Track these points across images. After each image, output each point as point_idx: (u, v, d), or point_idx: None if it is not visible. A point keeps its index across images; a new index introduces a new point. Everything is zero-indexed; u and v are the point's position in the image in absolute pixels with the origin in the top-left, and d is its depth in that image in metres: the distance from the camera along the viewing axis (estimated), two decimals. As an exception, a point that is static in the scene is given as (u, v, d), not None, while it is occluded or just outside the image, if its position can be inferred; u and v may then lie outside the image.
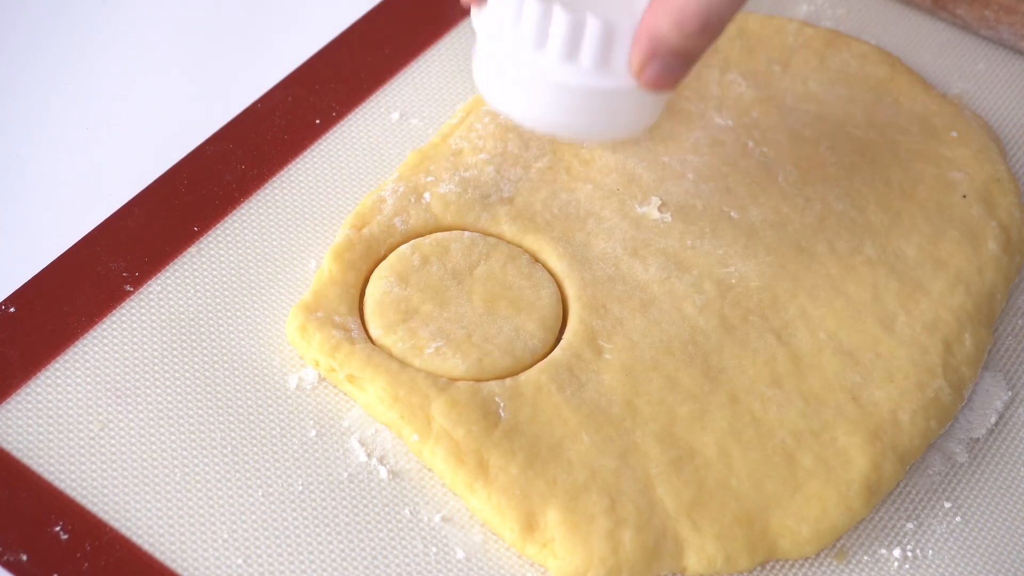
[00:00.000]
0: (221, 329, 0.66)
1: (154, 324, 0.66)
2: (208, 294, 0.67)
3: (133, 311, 0.66)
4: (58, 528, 0.60)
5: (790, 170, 0.71)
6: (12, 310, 0.65)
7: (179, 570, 0.60)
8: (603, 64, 0.60)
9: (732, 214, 0.69)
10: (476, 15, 0.62)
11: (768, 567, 0.62)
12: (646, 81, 0.59)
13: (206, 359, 0.65)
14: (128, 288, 0.67)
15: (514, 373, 0.64)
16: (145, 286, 0.67)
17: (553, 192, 0.70)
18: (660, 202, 0.70)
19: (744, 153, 0.71)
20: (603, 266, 0.67)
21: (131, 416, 0.63)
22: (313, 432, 0.64)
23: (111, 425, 0.63)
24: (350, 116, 0.74)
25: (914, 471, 0.65)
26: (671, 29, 0.57)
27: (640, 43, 0.58)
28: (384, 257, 0.67)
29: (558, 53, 0.60)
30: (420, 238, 0.67)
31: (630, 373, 0.64)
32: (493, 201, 0.69)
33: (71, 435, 0.63)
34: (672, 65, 0.59)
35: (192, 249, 0.68)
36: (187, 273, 0.68)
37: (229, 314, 0.67)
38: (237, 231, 0.69)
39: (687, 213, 0.69)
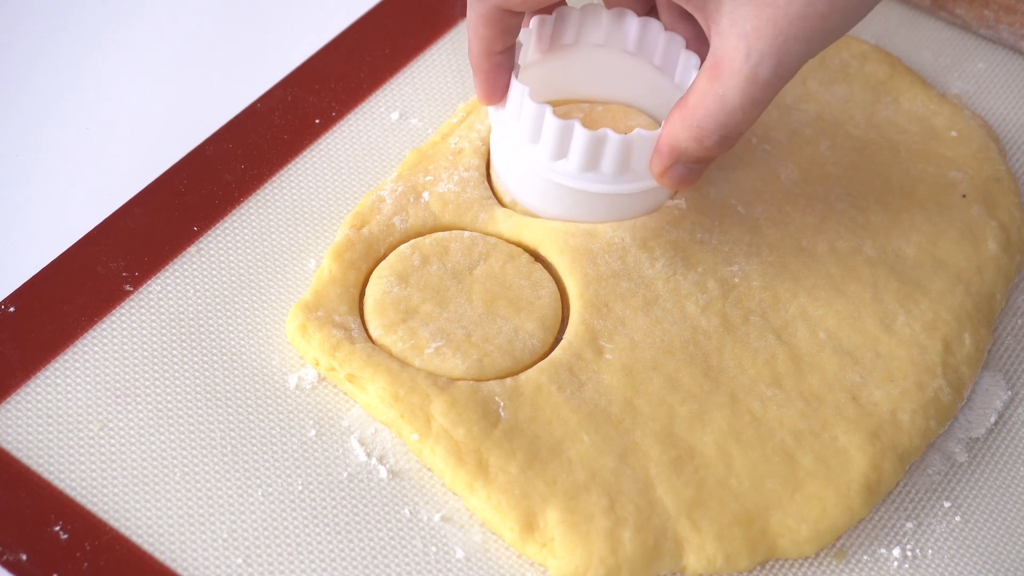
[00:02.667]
0: (221, 329, 0.66)
1: (154, 324, 0.66)
2: (208, 294, 0.67)
3: (133, 311, 0.66)
4: (58, 528, 0.60)
5: (791, 169, 0.71)
6: (12, 310, 0.65)
7: (179, 570, 0.60)
8: (623, 171, 0.64)
9: (739, 208, 0.69)
10: (495, 113, 0.66)
11: (768, 567, 0.62)
12: (668, 183, 0.64)
13: (206, 359, 0.65)
14: (128, 288, 0.67)
15: (514, 373, 0.64)
16: (145, 286, 0.67)
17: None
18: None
19: (748, 149, 0.71)
20: (608, 259, 0.67)
21: (131, 416, 0.63)
22: (313, 432, 0.64)
23: (111, 425, 0.63)
24: (350, 116, 0.74)
25: (914, 471, 0.65)
26: (691, 143, 0.61)
27: (662, 154, 0.63)
28: (384, 256, 0.67)
29: (579, 166, 0.64)
30: (420, 238, 0.67)
31: (630, 373, 0.64)
32: (494, 202, 0.69)
33: (71, 435, 0.63)
34: (692, 169, 0.63)
35: (192, 249, 0.68)
36: (187, 273, 0.68)
37: (229, 314, 0.67)
38: (237, 231, 0.69)
39: (700, 201, 0.69)
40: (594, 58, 0.68)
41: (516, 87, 0.64)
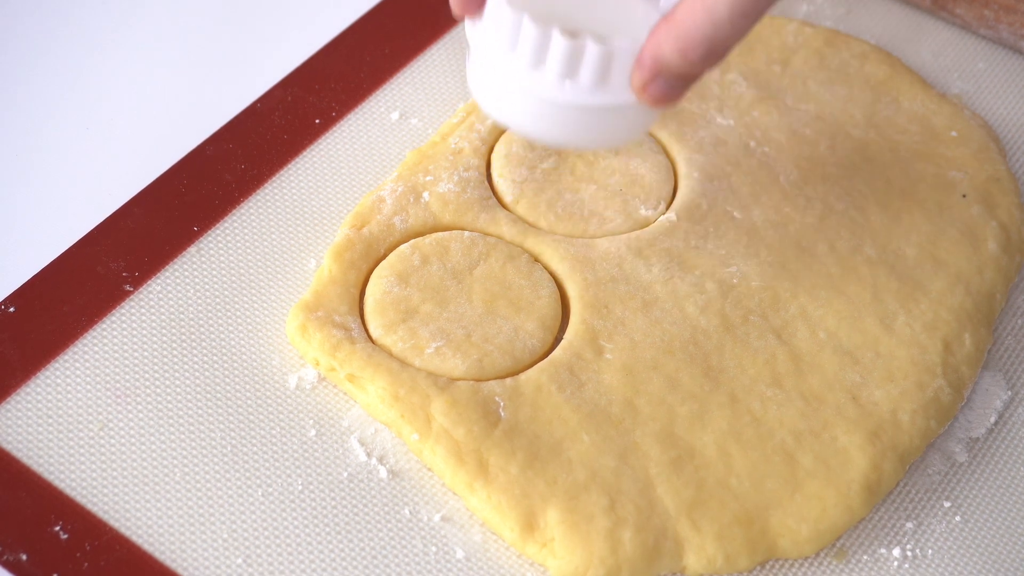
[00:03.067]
0: (221, 329, 0.66)
1: (154, 324, 0.66)
2: (208, 294, 0.67)
3: (133, 311, 0.66)
4: (58, 528, 0.60)
5: (791, 170, 0.71)
6: (12, 310, 0.65)
7: (179, 570, 0.60)
8: (602, 83, 0.60)
9: (735, 214, 0.69)
10: (471, 28, 0.62)
11: (768, 567, 0.62)
12: (648, 99, 0.60)
13: (206, 359, 0.65)
14: (128, 288, 0.67)
15: (513, 373, 0.64)
16: (145, 286, 0.67)
17: (558, 192, 0.70)
18: (666, 204, 0.70)
19: (747, 152, 0.72)
20: (606, 266, 0.67)
21: (131, 416, 0.63)
22: (313, 432, 0.64)
23: (111, 425, 0.63)
24: (350, 116, 0.74)
25: (914, 471, 0.65)
26: (675, 55, 0.58)
27: (643, 66, 0.59)
28: (384, 256, 0.67)
29: (556, 73, 0.60)
30: (420, 238, 0.67)
31: (630, 373, 0.64)
32: (494, 203, 0.69)
33: (71, 435, 0.63)
34: (674, 85, 0.59)
35: (192, 249, 0.68)
36: (187, 273, 0.68)
37: (229, 314, 0.67)
38: (237, 231, 0.69)
39: (692, 213, 0.69)
40: None
41: None
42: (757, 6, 0.57)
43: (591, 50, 0.59)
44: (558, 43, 0.59)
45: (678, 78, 0.59)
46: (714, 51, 0.58)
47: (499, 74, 0.61)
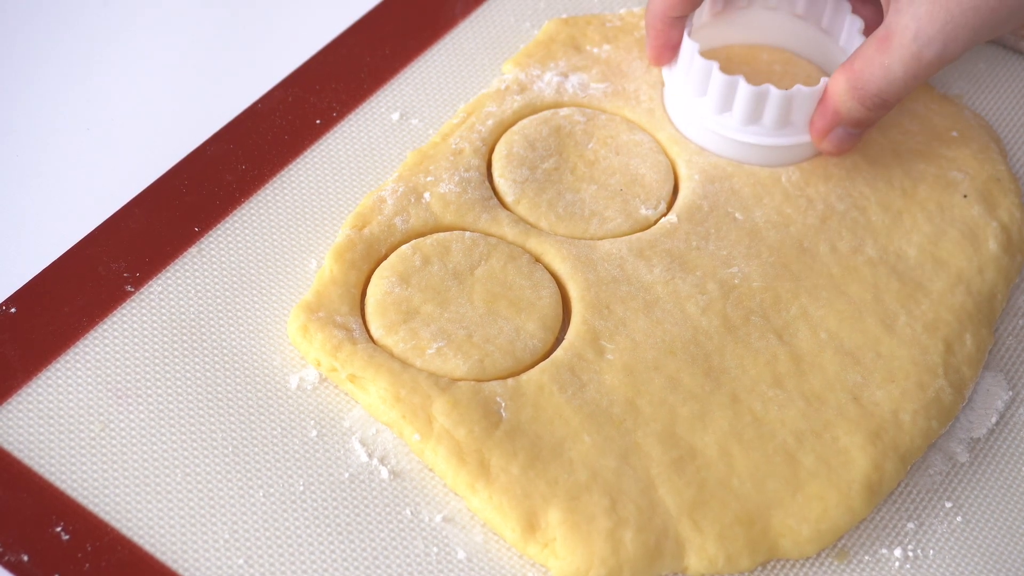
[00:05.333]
0: (222, 329, 0.66)
1: (155, 324, 0.66)
2: (208, 294, 0.67)
3: (134, 311, 0.66)
4: (59, 528, 0.60)
5: (792, 170, 0.71)
6: (12, 310, 0.65)
7: (180, 570, 0.60)
8: (783, 126, 0.69)
9: (737, 215, 0.69)
10: (667, 72, 0.71)
11: (769, 567, 0.62)
12: (826, 148, 0.69)
13: (207, 359, 0.65)
14: (129, 288, 0.67)
15: (515, 373, 0.64)
16: (146, 286, 0.67)
17: (559, 192, 0.70)
18: (666, 204, 0.70)
19: (746, 153, 0.72)
20: (608, 267, 0.67)
21: (132, 416, 0.63)
22: (314, 432, 0.64)
23: (112, 425, 0.63)
24: (350, 116, 0.74)
25: (915, 471, 0.65)
26: (853, 103, 0.67)
27: (823, 115, 0.68)
28: (385, 257, 0.67)
29: (741, 119, 0.69)
30: (421, 238, 0.67)
31: (632, 373, 0.64)
32: (495, 203, 0.69)
33: (72, 435, 0.63)
34: (851, 133, 0.69)
35: (193, 249, 0.68)
36: (188, 273, 0.68)
37: (230, 314, 0.67)
38: (238, 231, 0.69)
39: (694, 214, 0.69)
40: (763, 20, 0.74)
41: (687, 44, 0.69)
42: (927, 73, 0.65)
43: (773, 96, 0.68)
44: (744, 91, 0.68)
45: (855, 125, 0.68)
46: (886, 103, 0.67)
47: (691, 115, 0.71)
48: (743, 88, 0.68)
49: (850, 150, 0.70)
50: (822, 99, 0.68)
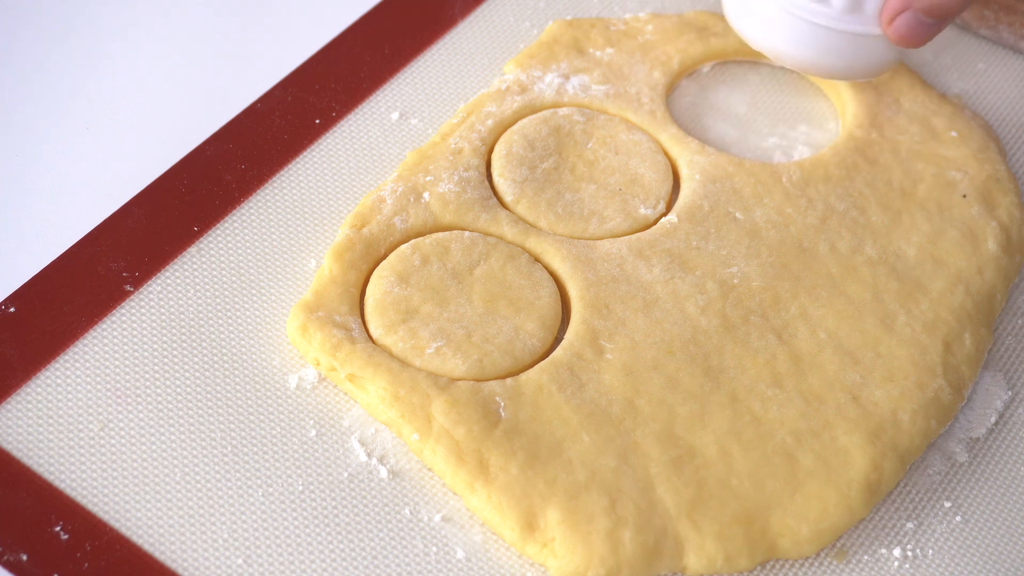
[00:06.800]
0: (221, 329, 0.66)
1: (154, 324, 0.66)
2: (208, 294, 0.67)
3: (133, 311, 0.66)
4: (58, 528, 0.60)
5: (793, 170, 0.71)
6: (12, 310, 0.65)
7: (179, 570, 0.60)
8: (854, 10, 0.66)
9: (737, 215, 0.69)
10: None
11: (768, 567, 0.62)
12: (893, 34, 0.65)
13: (206, 359, 0.65)
14: (128, 288, 0.67)
15: (514, 373, 0.64)
16: (145, 286, 0.67)
17: (558, 192, 0.70)
18: (665, 203, 0.70)
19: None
20: (607, 266, 0.67)
21: (131, 416, 0.63)
22: (313, 432, 0.64)
23: (111, 425, 0.63)
24: (350, 116, 0.74)
25: (914, 471, 0.65)
26: None
27: None
28: (384, 256, 0.67)
29: None
30: (420, 238, 0.67)
31: (631, 373, 0.64)
32: (495, 203, 0.69)
33: (71, 435, 0.63)
34: (922, 22, 0.64)
35: (192, 249, 0.68)
36: (187, 273, 0.68)
37: (229, 314, 0.67)
38: (237, 231, 0.69)
39: (694, 214, 0.69)
40: None
41: None
42: None
43: None
44: None
45: (927, 12, 0.64)
46: None
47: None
48: None
49: (917, 44, 0.66)
50: None
